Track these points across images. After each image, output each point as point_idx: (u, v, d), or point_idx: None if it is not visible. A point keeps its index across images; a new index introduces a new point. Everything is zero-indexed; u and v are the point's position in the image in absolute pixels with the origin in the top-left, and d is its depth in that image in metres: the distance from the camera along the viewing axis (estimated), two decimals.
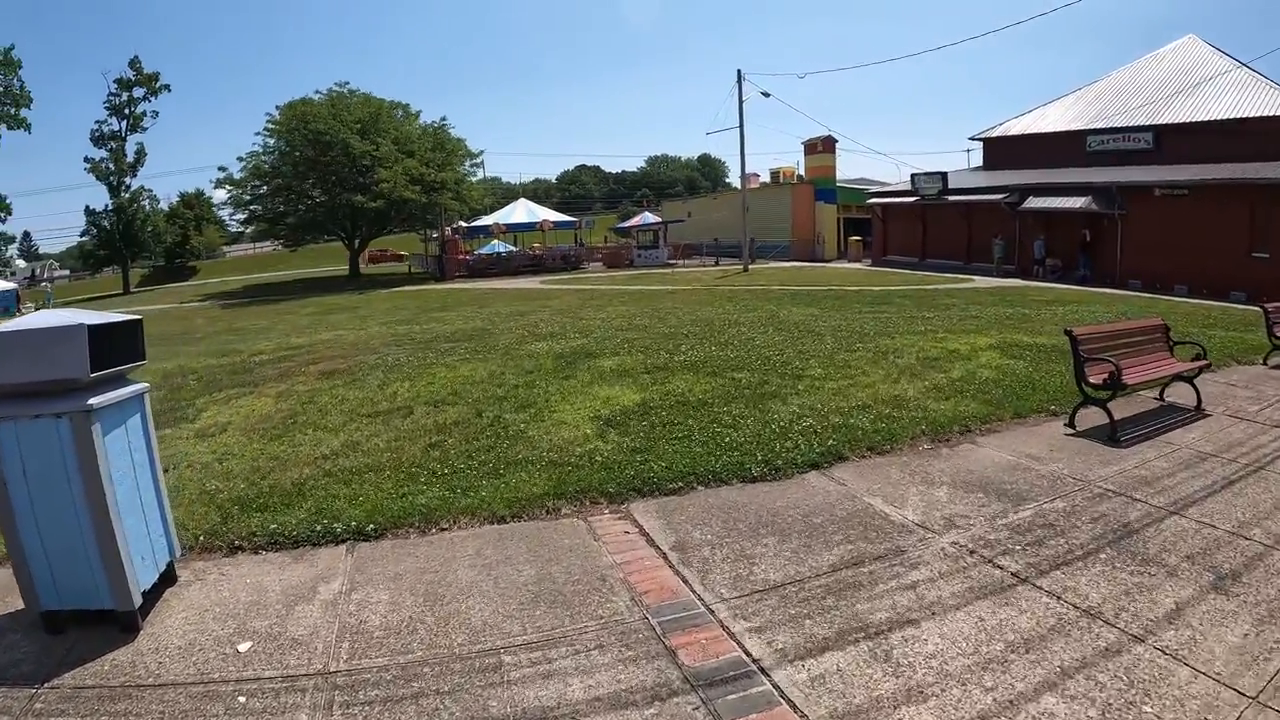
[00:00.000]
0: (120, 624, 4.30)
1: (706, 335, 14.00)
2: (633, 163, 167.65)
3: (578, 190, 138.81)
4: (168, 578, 4.87)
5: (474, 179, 57.30)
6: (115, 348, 4.40)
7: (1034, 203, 33.05)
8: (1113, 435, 7.53)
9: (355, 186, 45.18)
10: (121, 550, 4.17)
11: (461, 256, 46.01)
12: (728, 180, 73.63)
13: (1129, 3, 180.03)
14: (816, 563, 4.99)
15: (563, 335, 14.70)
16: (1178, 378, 8.96)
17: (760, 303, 20.88)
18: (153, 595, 4.67)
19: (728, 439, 7.51)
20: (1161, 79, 36.08)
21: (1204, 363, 9.18)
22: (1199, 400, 8.89)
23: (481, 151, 56.49)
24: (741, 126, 38.17)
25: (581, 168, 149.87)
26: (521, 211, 48.61)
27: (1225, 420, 8.42)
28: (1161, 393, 9.40)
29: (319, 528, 5.73)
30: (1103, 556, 4.93)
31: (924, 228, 40.03)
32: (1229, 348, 12.87)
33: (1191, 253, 28.11)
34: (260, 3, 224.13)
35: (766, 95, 37.59)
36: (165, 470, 7.57)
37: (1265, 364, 11.94)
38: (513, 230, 48.84)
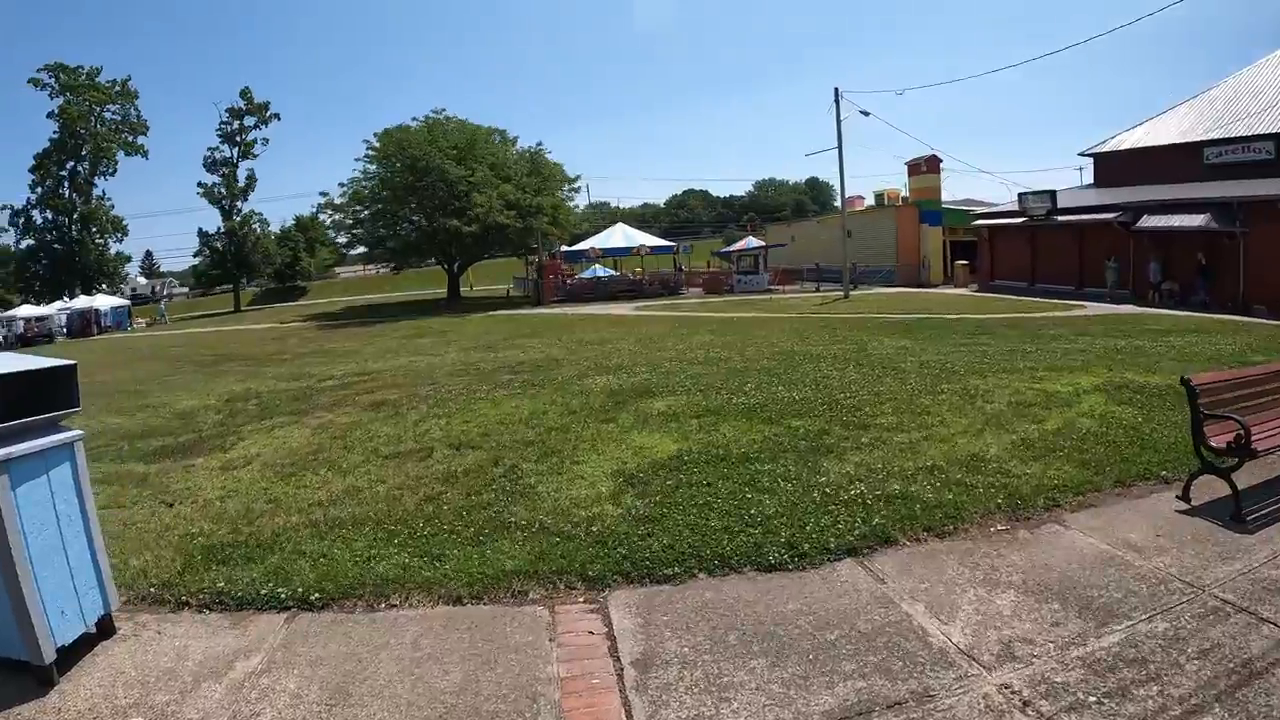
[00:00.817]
0: (35, 677, 4.15)
1: (779, 372, 12.86)
2: (741, 187, 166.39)
3: (685, 215, 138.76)
4: (105, 629, 4.72)
5: (571, 203, 57.32)
6: (36, 396, 4.30)
7: (1148, 222, 30.33)
8: (1237, 515, 6.04)
9: (452, 211, 45.48)
10: (31, 604, 4.02)
11: (563, 281, 45.85)
12: (835, 203, 71.61)
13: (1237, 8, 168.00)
14: (805, 707, 3.79)
15: (630, 368, 14.01)
16: None
17: (851, 333, 19.52)
18: (82, 647, 4.50)
19: (755, 509, 6.38)
20: (1277, 83, 32.91)
21: None
22: None
23: (578, 176, 56.42)
24: (840, 147, 36.82)
25: (689, 192, 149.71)
26: (619, 236, 48.15)
27: None
28: None
29: (265, 591, 5.23)
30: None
31: (1033, 250, 37.44)
32: None
33: None
34: (388, 34, 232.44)
35: (866, 114, 36.09)
36: (171, 504, 7.46)
37: None
38: (610, 255, 48.34)
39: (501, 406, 10.94)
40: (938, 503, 6.42)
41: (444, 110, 51.80)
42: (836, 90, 36.26)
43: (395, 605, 5.04)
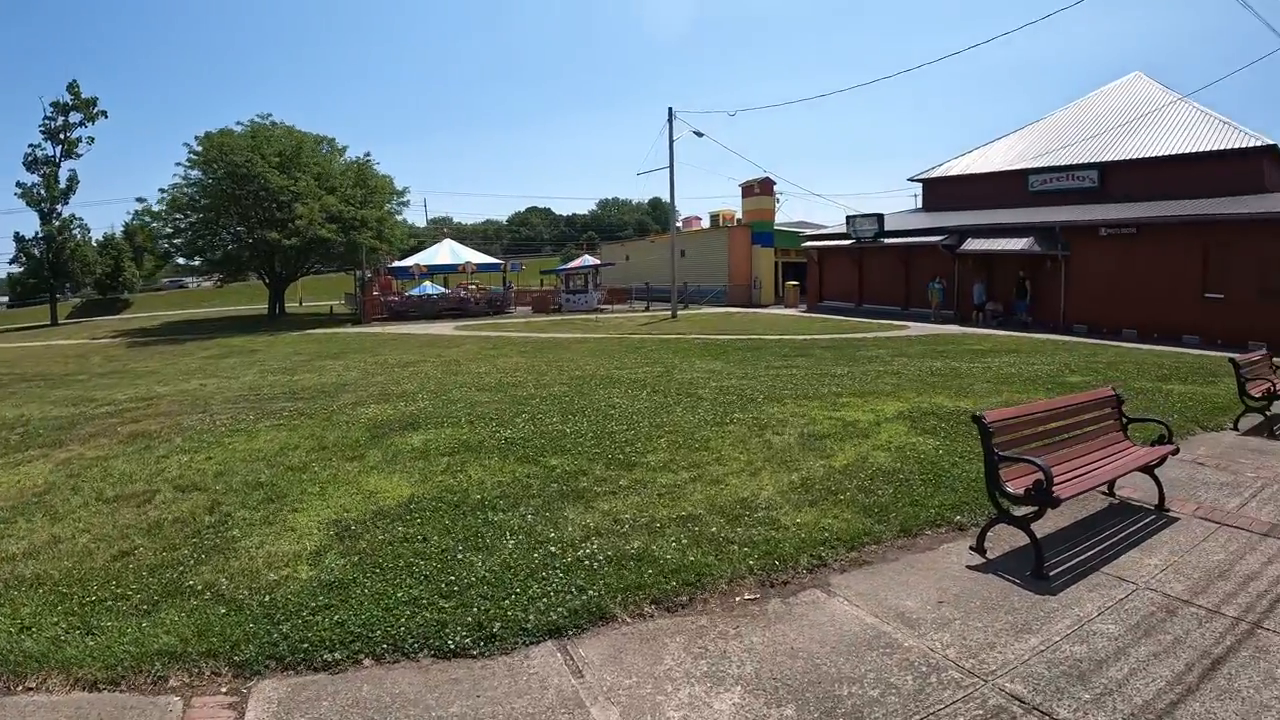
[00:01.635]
0: None
1: (567, 399, 11.59)
2: (584, 205, 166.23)
3: (527, 232, 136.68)
4: None
5: (400, 216, 54.75)
6: None
7: (973, 245, 31.29)
8: (1038, 571, 5.08)
9: (273, 223, 42.30)
10: None
11: (389, 298, 43.37)
12: (678, 225, 71.71)
13: (1075, 46, 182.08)
14: None
15: (414, 396, 12.58)
16: (1136, 469, 6.55)
17: (664, 355, 18.48)
18: None
19: (460, 574, 5.12)
20: (1106, 116, 34.79)
21: (1168, 449, 6.76)
22: (1161, 497, 6.61)
23: (406, 189, 53.81)
24: (672, 166, 36.10)
25: (532, 209, 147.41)
26: (446, 252, 45.93)
27: (1197, 527, 6.15)
28: (1111, 485, 6.97)
29: None
30: None
31: (860, 272, 38.00)
32: (1191, 408, 10.85)
33: (1140, 295, 26.79)
34: (219, 37, 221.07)
35: (699, 135, 35.68)
36: None
37: (1236, 429, 9.92)
38: (436, 271, 46.12)
39: (256, 440, 9.59)
40: (678, 565, 5.23)
41: (270, 115, 48.16)
42: (670, 110, 35.64)
43: (31, 689, 4.09)
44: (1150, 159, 30.56)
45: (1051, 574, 5.09)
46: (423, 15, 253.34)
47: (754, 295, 46.60)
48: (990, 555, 5.46)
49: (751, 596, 4.89)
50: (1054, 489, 5.05)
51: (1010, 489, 5.28)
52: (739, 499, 6.55)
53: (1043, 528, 5.58)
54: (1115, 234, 27.60)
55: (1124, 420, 7.08)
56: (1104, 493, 6.90)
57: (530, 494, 6.76)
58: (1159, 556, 5.46)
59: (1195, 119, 31.72)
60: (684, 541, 5.62)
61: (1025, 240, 29.28)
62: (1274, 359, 11.66)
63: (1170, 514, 6.43)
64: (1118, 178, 31.46)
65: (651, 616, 4.66)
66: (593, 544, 5.58)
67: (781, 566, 5.26)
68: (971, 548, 5.55)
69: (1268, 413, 10.19)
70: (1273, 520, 6.32)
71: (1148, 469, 6.65)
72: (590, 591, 4.84)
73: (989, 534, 5.60)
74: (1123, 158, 31.56)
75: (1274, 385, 10.15)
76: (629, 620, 4.60)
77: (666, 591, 4.88)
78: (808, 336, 23.81)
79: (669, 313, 36.01)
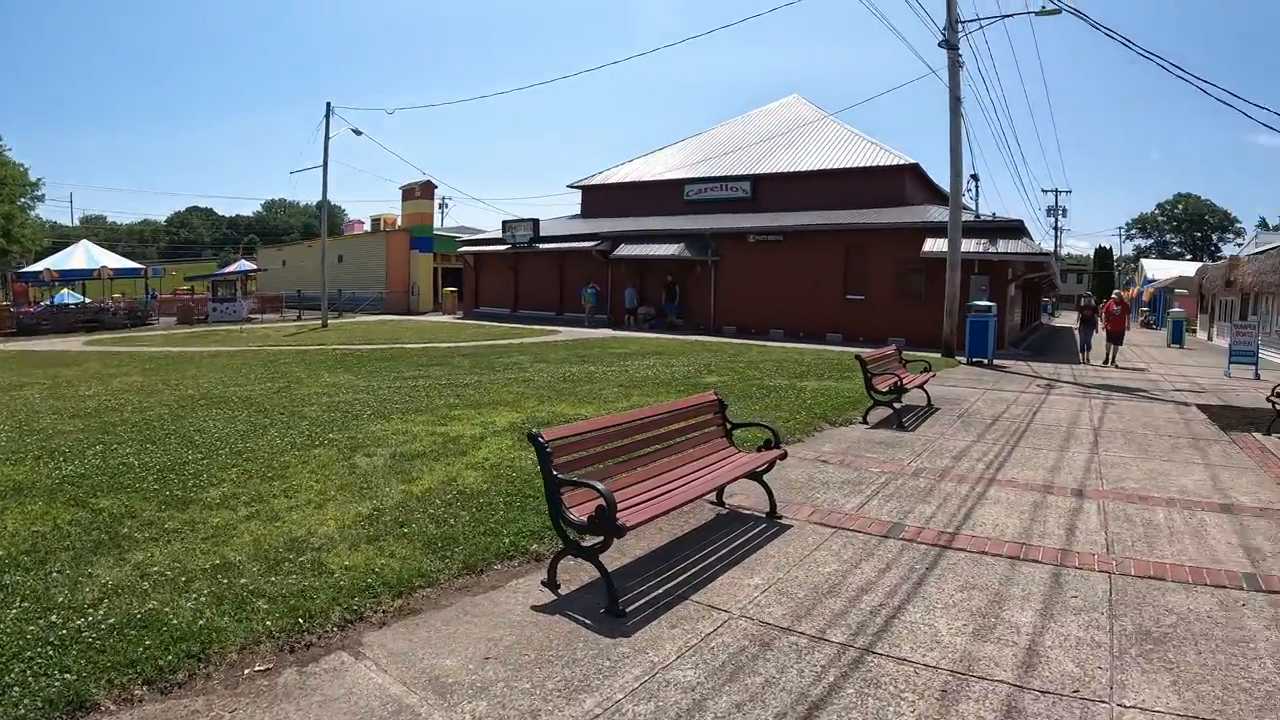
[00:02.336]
0: None
1: (157, 425, 9.64)
2: (249, 206, 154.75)
3: (188, 234, 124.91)
4: None
5: (33, 213, 47.14)
6: None
7: (625, 250, 32.25)
8: (612, 608, 4.35)
9: None
10: None
11: (22, 310, 36.59)
12: (342, 227, 68.16)
13: (742, 69, 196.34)
14: None
15: None
16: (739, 478, 6.13)
17: (295, 369, 16.49)
18: None
19: None
20: (763, 132, 37.23)
21: (775, 453, 6.36)
22: (772, 504, 6.25)
23: (40, 180, 46.48)
24: (326, 164, 33.72)
25: (193, 209, 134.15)
26: (80, 256, 39.49)
27: (810, 534, 5.81)
28: (720, 494, 6.54)
29: None
30: None
31: (516, 277, 38.06)
32: (821, 403, 11.13)
33: (787, 297, 28.69)
34: None
35: (358, 133, 33.45)
36: None
37: (865, 422, 10.27)
38: (71, 278, 39.71)
39: None
40: (187, 631, 4.01)
41: None
42: (329, 105, 33.29)
43: None
44: (799, 173, 33.22)
45: (629, 609, 4.37)
46: None
47: (411, 302, 45.23)
48: (564, 591, 4.68)
49: (263, 667, 3.75)
50: (619, 516, 4.33)
51: (574, 516, 4.50)
52: (291, 539, 5.34)
53: (633, 550, 4.98)
54: (764, 241, 29.45)
55: (728, 426, 6.68)
56: (712, 502, 6.46)
57: (65, 545, 5.22)
58: (762, 574, 4.96)
59: (846, 137, 34.90)
60: (206, 598, 4.38)
61: (677, 246, 30.56)
62: (903, 354, 12.42)
63: (783, 521, 6.11)
64: (769, 189, 33.69)
65: (142, 701, 3.45)
66: (104, 608, 4.24)
67: (309, 625, 4.14)
68: (543, 583, 4.73)
69: (895, 405, 10.64)
70: (893, 519, 6.19)
71: (755, 475, 6.26)
72: (73, 673, 3.55)
73: (560, 566, 4.83)
74: (774, 171, 34.04)
75: (900, 379, 10.68)
76: (113, 708, 3.38)
77: (163, 668, 3.65)
78: (453, 344, 22.93)
79: (319, 322, 33.58)
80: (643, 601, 4.54)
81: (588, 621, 4.27)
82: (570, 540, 4.64)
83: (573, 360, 16.96)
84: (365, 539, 5.38)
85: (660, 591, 4.70)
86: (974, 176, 27.43)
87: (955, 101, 20.77)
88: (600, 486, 4.37)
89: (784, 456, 6.58)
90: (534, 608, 4.46)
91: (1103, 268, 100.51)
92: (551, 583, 4.72)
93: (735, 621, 4.30)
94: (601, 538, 4.40)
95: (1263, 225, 79.82)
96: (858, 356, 10.80)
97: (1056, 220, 65.87)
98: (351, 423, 9.51)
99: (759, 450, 6.44)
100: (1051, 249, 26.30)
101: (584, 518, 4.39)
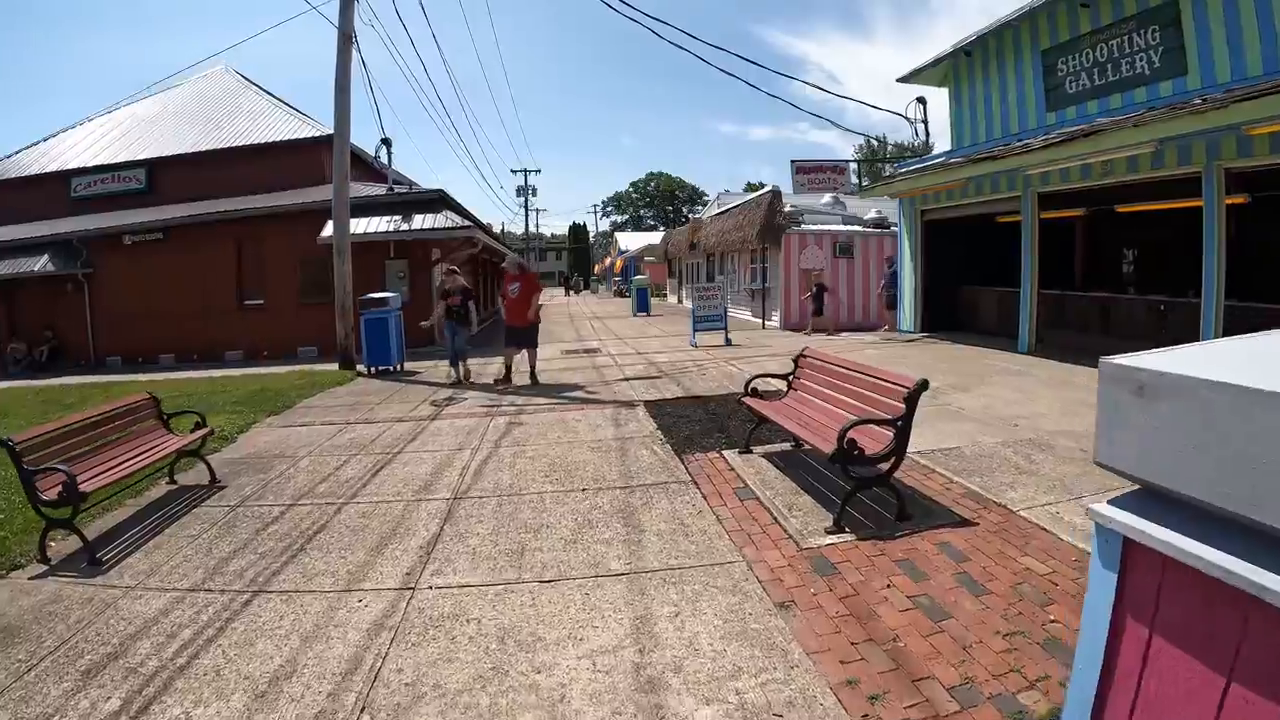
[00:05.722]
0: None
1: None
2: None
3: None
4: None
5: None
6: None
7: None
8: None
9: None
10: None
11: None
12: None
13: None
14: None
15: None
16: None
17: None
18: None
19: None
20: (179, 112, 32.61)
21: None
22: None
23: None
24: None
25: None
26: None
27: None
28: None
29: None
30: None
31: None
32: None
33: (174, 312, 23.54)
34: None
35: None
36: None
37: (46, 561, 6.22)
38: None
39: None
40: None
41: None
42: None
43: None
44: (204, 153, 28.40)
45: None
46: None
47: None
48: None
49: None
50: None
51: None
52: None
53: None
54: (142, 241, 24.05)
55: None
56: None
57: None
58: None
59: (266, 110, 31.09)
60: None
61: (43, 259, 24.13)
62: (158, 402, 8.33)
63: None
64: (171, 177, 28.68)
65: None
66: None
67: None
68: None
69: (80, 529, 6.24)
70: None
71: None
72: None
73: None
74: (173, 154, 28.91)
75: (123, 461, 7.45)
76: None
77: None
78: None
79: None
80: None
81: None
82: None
83: None
84: None
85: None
86: (385, 140, 23.40)
87: (345, 40, 16.73)
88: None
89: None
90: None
91: (578, 243, 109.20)
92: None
93: None
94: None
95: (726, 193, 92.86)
96: (5, 441, 5.89)
97: (526, 200, 69.52)
98: None
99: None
100: (476, 222, 25.05)
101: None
